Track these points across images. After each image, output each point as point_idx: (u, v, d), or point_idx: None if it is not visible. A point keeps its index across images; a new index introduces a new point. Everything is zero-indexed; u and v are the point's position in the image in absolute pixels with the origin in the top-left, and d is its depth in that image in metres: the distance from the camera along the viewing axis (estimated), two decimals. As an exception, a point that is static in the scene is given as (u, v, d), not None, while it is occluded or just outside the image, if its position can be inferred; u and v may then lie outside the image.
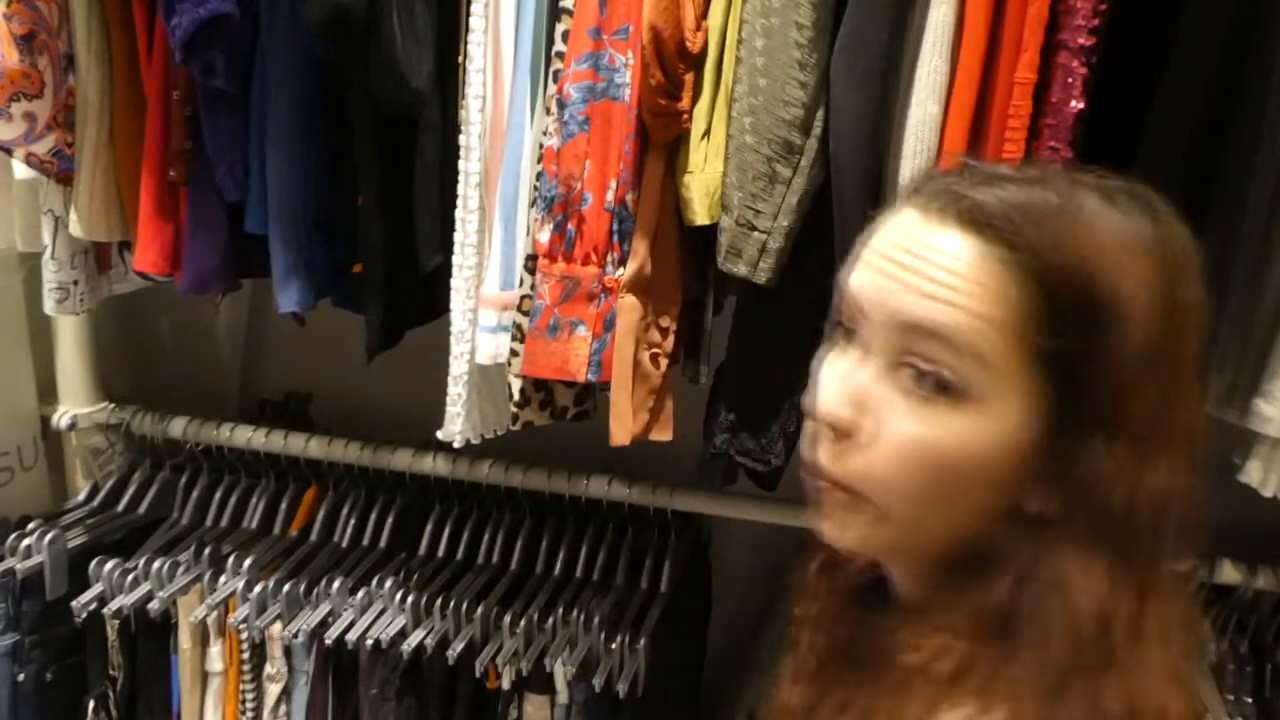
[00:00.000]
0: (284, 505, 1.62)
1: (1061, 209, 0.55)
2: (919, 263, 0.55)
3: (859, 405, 0.56)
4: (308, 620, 1.41)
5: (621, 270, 1.11)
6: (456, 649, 1.36)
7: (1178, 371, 0.55)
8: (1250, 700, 1.40)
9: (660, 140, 1.09)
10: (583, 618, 1.37)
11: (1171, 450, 0.55)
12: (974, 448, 0.54)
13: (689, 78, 1.06)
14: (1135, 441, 0.54)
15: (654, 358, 1.14)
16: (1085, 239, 0.54)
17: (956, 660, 0.55)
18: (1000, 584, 0.55)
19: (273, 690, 1.46)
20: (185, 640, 1.46)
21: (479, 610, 1.39)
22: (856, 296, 0.58)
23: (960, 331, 0.53)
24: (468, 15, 1.13)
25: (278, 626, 1.42)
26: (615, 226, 1.10)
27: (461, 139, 1.16)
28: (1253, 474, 1.14)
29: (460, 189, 1.17)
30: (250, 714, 1.47)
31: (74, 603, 1.44)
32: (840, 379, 0.57)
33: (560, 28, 1.09)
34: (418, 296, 1.28)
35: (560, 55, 1.10)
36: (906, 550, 0.61)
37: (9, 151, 1.30)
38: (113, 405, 1.66)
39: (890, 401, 0.55)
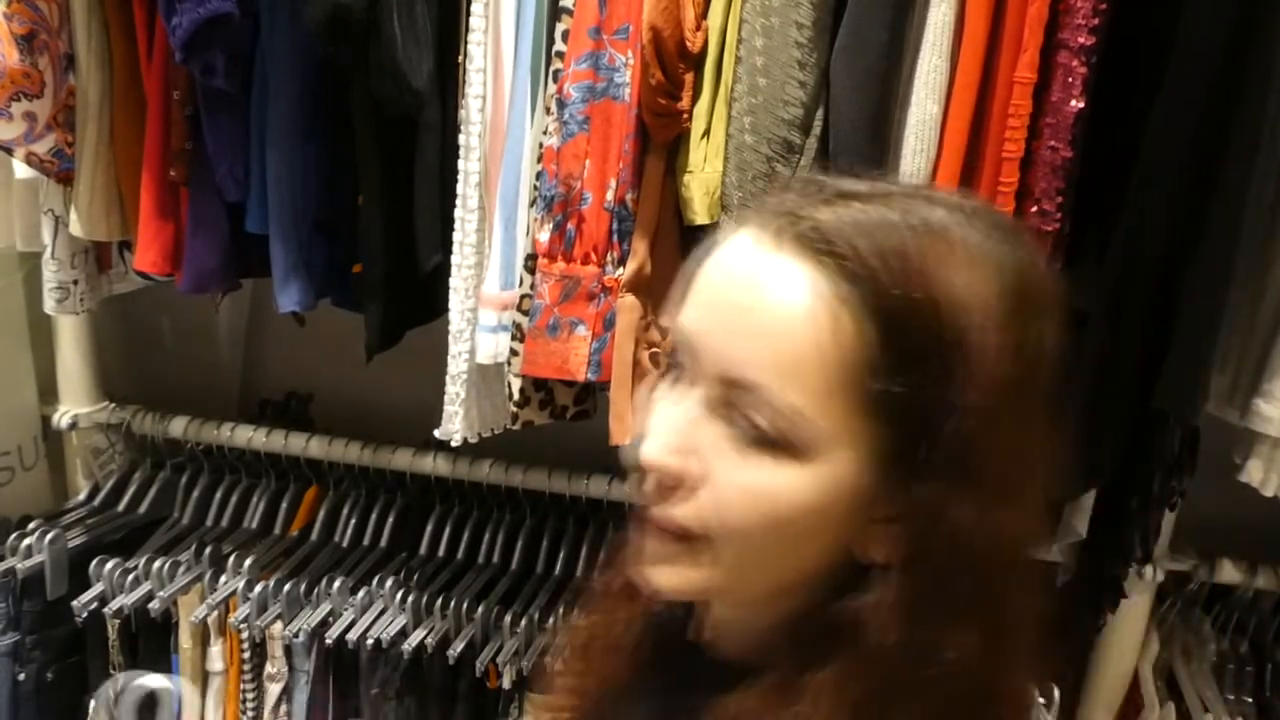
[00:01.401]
0: (284, 505, 1.62)
1: (911, 232, 0.48)
2: (748, 300, 0.49)
3: (686, 451, 0.51)
4: (308, 620, 1.41)
5: (621, 270, 1.11)
6: (457, 648, 1.36)
7: (1028, 412, 0.51)
8: (1250, 700, 1.41)
9: (660, 140, 1.09)
10: (583, 617, 1.37)
11: (1021, 496, 0.51)
12: (804, 498, 0.50)
13: (689, 77, 1.06)
14: (982, 486, 0.49)
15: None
16: (934, 270, 0.48)
17: None
18: (853, 649, 0.50)
19: (273, 690, 1.46)
20: (186, 640, 1.46)
21: (479, 610, 1.39)
22: (684, 334, 0.52)
23: (782, 391, 0.48)
24: (468, 15, 1.13)
25: (278, 626, 1.42)
26: (615, 226, 1.10)
27: (461, 138, 1.16)
28: (1253, 474, 1.14)
29: (460, 188, 1.17)
30: (251, 713, 1.47)
31: (74, 602, 1.44)
32: (666, 424, 0.52)
33: (560, 27, 1.09)
34: (417, 296, 1.28)
35: (560, 55, 1.10)
36: (735, 596, 0.57)
37: (9, 151, 1.30)
38: (113, 405, 1.66)
39: (718, 446, 0.51)
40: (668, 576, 0.55)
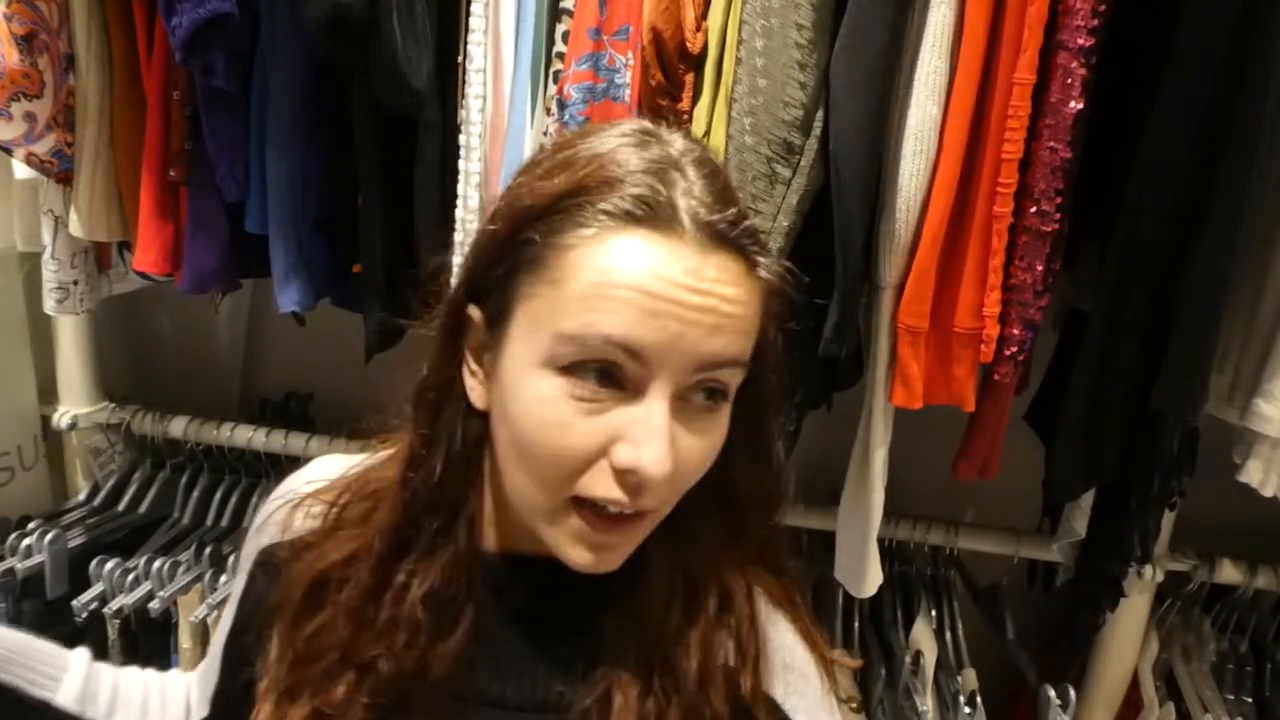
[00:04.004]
0: (284, 505, 1.62)
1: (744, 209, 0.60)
2: (714, 301, 0.55)
3: (671, 446, 0.55)
4: (308, 620, 1.41)
5: (621, 270, 1.11)
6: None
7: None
8: (1250, 700, 1.41)
9: (660, 140, 1.09)
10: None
11: (782, 371, 0.65)
12: (728, 420, 0.60)
13: (689, 78, 1.06)
14: (775, 359, 0.63)
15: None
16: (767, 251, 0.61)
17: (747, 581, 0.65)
18: (721, 504, 0.65)
19: (273, 690, 1.45)
20: (186, 640, 1.46)
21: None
22: (643, 343, 0.54)
23: (744, 354, 0.58)
24: (468, 15, 1.13)
25: (278, 626, 1.42)
26: (615, 226, 1.10)
27: (461, 139, 1.16)
28: (1253, 474, 1.14)
29: (460, 188, 1.17)
30: (250, 713, 1.47)
31: (74, 602, 1.44)
32: (657, 433, 0.54)
33: (560, 28, 1.09)
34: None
35: (561, 56, 1.10)
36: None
37: (9, 151, 1.30)
38: (113, 405, 1.66)
39: (682, 427, 0.56)
40: (612, 559, 0.59)
